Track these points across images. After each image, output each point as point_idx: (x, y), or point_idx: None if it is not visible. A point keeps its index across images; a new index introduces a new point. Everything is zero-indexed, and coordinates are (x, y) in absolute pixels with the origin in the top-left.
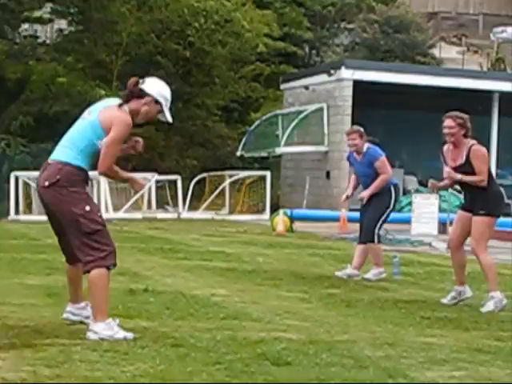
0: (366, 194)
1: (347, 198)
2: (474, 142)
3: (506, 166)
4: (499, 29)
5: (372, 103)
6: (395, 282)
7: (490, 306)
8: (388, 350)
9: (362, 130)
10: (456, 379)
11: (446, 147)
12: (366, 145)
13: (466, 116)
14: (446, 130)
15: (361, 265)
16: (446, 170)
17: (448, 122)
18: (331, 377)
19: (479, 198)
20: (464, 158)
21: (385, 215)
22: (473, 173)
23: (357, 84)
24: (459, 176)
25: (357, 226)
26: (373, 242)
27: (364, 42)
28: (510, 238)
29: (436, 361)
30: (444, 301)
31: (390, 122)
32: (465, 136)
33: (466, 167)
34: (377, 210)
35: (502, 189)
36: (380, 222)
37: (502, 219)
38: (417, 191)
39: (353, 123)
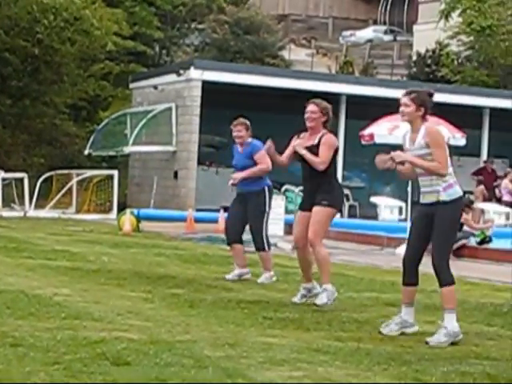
0: (239, 175)
1: (233, 184)
2: (329, 131)
3: (352, 169)
4: (348, 32)
5: (221, 104)
6: (239, 283)
7: (323, 299)
8: (228, 350)
9: (248, 122)
10: (294, 379)
11: (302, 135)
12: (250, 139)
13: (329, 106)
14: (307, 114)
15: (245, 262)
16: (294, 143)
17: (311, 107)
18: (170, 377)
19: (323, 189)
20: (316, 141)
21: (265, 220)
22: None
23: (206, 84)
24: (303, 151)
25: (203, 226)
26: (264, 250)
27: (214, 43)
28: (355, 239)
29: (275, 361)
30: (295, 300)
31: None
32: (324, 125)
33: (314, 150)
34: (257, 219)
35: (348, 190)
36: (264, 228)
37: (349, 220)
38: None
39: (201, 124)
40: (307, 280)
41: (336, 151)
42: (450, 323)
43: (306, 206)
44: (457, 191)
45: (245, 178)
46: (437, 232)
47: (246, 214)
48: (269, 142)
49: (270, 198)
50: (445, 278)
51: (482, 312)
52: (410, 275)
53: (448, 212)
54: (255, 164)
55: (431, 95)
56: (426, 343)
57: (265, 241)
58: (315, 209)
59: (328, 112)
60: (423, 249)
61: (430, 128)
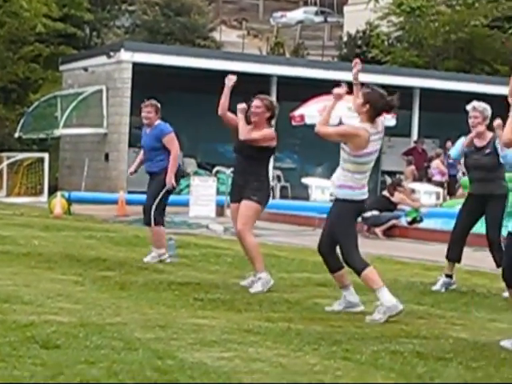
0: (168, 180)
1: (132, 173)
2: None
3: (283, 150)
4: (279, 14)
5: (152, 86)
6: (170, 264)
7: (258, 287)
8: (159, 331)
9: (158, 105)
10: (225, 360)
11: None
12: (158, 121)
13: (275, 102)
14: (252, 109)
15: (164, 243)
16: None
17: (255, 102)
18: (100, 359)
19: (254, 184)
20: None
21: (161, 195)
22: (255, 156)
23: (136, 66)
24: (240, 112)
25: (135, 208)
26: (149, 225)
27: (145, 25)
28: (287, 220)
29: (206, 342)
30: (244, 283)
31: (170, 104)
32: (268, 121)
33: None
34: (153, 191)
35: (279, 172)
36: (156, 202)
37: (281, 201)
38: (196, 174)
39: (132, 106)
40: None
41: (271, 151)
42: (384, 298)
43: (237, 198)
44: (352, 194)
45: (152, 159)
46: (333, 229)
47: None
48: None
49: (178, 178)
50: (357, 266)
51: (412, 291)
52: (331, 262)
53: (340, 209)
54: (162, 146)
55: (386, 102)
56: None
57: (152, 217)
58: (245, 202)
59: (273, 108)
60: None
61: (356, 126)
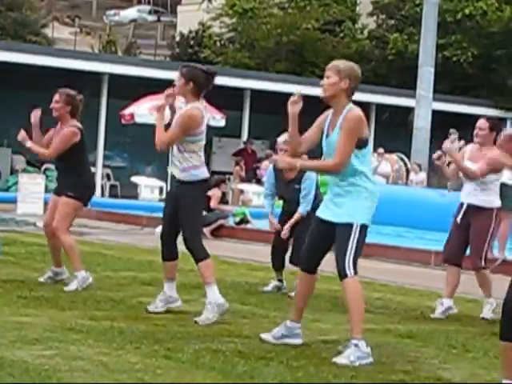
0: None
1: None
2: (74, 124)
3: (113, 148)
4: (112, 12)
5: None
6: None
7: (73, 286)
8: None
9: None
10: (45, 358)
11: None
12: None
13: (73, 93)
14: (52, 104)
15: None
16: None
17: (55, 97)
18: None
19: (70, 180)
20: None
21: None
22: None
23: None
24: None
25: None
26: None
27: None
28: (116, 219)
29: (27, 340)
30: (41, 279)
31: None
32: (72, 114)
33: None
34: None
35: (109, 170)
36: None
37: (110, 200)
38: (24, 171)
39: None
40: (56, 264)
41: (78, 146)
42: (213, 296)
43: (57, 190)
44: (199, 174)
45: None
46: (181, 212)
47: None
48: (36, 112)
49: None
50: (198, 253)
51: (237, 291)
52: (168, 250)
53: (188, 191)
54: None
55: (206, 73)
56: (196, 322)
57: None
58: (61, 199)
59: (72, 101)
60: (178, 223)
61: (186, 110)
